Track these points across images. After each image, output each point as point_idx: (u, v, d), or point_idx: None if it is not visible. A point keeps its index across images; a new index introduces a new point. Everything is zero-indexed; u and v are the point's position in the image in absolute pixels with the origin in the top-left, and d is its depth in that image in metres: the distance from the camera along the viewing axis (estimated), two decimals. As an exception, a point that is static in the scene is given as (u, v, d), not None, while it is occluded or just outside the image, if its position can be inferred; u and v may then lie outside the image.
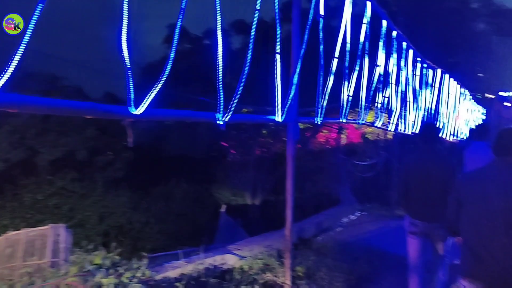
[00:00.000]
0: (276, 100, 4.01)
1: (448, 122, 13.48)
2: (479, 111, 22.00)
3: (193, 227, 9.76)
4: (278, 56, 3.97)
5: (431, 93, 10.99)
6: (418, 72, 9.47)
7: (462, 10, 15.25)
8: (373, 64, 6.92)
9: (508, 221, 2.36)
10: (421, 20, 13.51)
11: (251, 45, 3.55)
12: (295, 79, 4.08)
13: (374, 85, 6.59)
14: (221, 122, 3.17)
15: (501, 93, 24.57)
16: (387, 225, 7.52)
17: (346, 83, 5.78)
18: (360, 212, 8.02)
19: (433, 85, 11.24)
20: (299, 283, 4.35)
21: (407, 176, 3.97)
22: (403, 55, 8.09)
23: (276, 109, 3.99)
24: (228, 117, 3.15)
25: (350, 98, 5.82)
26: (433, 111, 11.21)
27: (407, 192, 3.88)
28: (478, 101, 21.29)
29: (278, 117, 3.98)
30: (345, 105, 5.74)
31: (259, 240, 6.00)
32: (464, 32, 15.30)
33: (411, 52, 8.64)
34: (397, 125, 8.05)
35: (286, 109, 3.95)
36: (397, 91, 7.81)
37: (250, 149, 12.26)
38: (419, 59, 9.40)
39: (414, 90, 9.12)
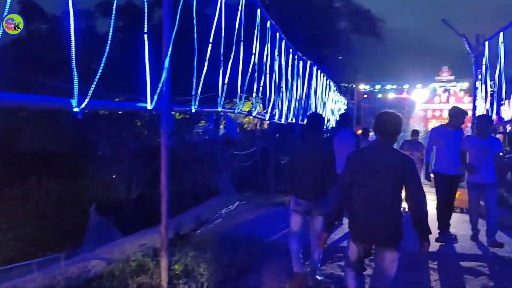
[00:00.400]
0: (147, 86, 3.62)
1: (318, 109, 14.40)
2: (342, 101, 24.18)
3: (58, 231, 8.68)
4: (146, 37, 3.58)
5: (302, 84, 11.51)
6: (290, 63, 9.82)
7: (327, 9, 16.38)
8: (249, 53, 6.89)
9: (388, 180, 3.09)
10: (291, 15, 14.08)
11: (112, 21, 3.10)
12: (166, 62, 3.73)
13: (249, 74, 6.58)
14: (77, 109, 2.68)
15: (361, 86, 27.49)
16: (266, 213, 7.63)
17: (221, 71, 5.64)
18: (239, 201, 8.00)
19: (304, 76, 11.81)
20: (177, 282, 4.06)
21: (293, 161, 4.51)
22: (277, 45, 8.26)
23: (148, 96, 3.61)
24: (85, 103, 2.68)
25: (225, 87, 5.69)
26: (303, 101, 11.79)
27: (293, 175, 4.37)
28: (342, 92, 23.32)
29: (149, 105, 3.60)
30: (220, 94, 5.59)
31: (134, 239, 5.50)
32: (329, 29, 16.50)
33: (283, 43, 8.88)
34: (272, 114, 8.23)
35: (156, 96, 3.59)
36: (271, 81, 7.96)
37: (123, 141, 11.44)
38: (291, 50, 9.74)
39: (287, 81, 9.43)
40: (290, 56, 9.78)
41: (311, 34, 14.14)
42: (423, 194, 3.11)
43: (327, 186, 4.13)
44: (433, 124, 28.31)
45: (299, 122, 11.58)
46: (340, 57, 18.08)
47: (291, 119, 10.25)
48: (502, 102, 13.21)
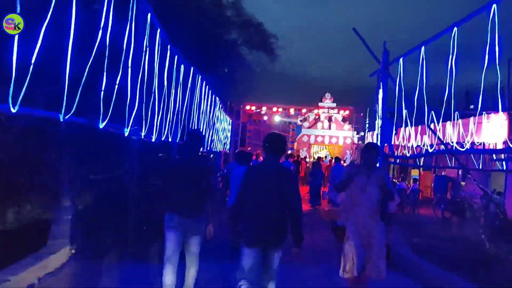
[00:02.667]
0: None
1: (201, 129, 12.21)
2: (227, 121, 22.45)
3: None
4: None
5: (182, 94, 9.22)
6: (167, 64, 7.51)
7: (217, 16, 14.46)
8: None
9: (270, 188, 3.65)
10: (175, 13, 11.75)
11: None
12: None
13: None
14: None
15: (248, 107, 26.18)
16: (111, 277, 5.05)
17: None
18: (74, 254, 5.29)
19: (186, 85, 9.56)
20: None
21: (168, 176, 4.26)
22: (147, 33, 5.91)
23: None
24: None
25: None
26: (183, 116, 9.51)
27: (167, 191, 4.19)
28: (227, 111, 21.58)
29: None
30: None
31: None
32: (218, 38, 14.57)
33: (158, 33, 6.57)
34: (135, 129, 5.79)
35: None
36: (135, 81, 5.56)
37: None
38: (168, 46, 7.46)
39: (160, 85, 7.10)
40: (168, 54, 7.48)
41: (197, 39, 11.97)
42: (299, 203, 3.72)
43: (205, 202, 4.16)
44: (315, 149, 28.55)
45: (178, 141, 9.24)
46: (226, 70, 16.36)
47: (165, 137, 7.88)
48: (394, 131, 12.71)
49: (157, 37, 6.39)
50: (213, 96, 14.14)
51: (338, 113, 27.19)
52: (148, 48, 5.74)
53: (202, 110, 11.99)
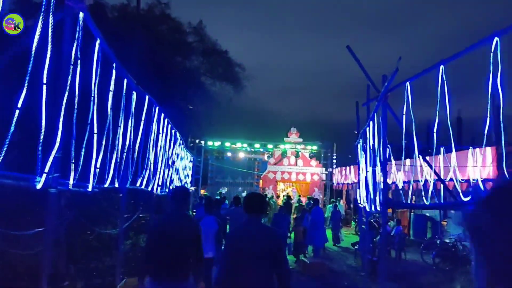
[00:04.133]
0: None
1: (158, 168, 10.33)
2: (188, 158, 20.52)
3: None
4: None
5: (132, 127, 7.44)
6: (112, 87, 5.78)
7: (178, 42, 12.94)
8: None
9: (256, 254, 3.46)
10: (133, 37, 10.09)
11: None
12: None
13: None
14: None
15: (210, 142, 24.41)
16: None
17: None
18: None
19: (139, 116, 7.80)
20: None
21: (153, 238, 4.03)
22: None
23: None
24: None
25: None
26: (135, 154, 7.68)
27: (152, 254, 3.95)
28: (188, 148, 19.73)
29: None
30: None
31: None
32: (179, 67, 12.98)
33: (98, 50, 4.88)
34: (56, 178, 3.95)
35: None
36: (52, 109, 3.77)
37: None
38: (114, 66, 5.75)
39: (101, 118, 5.33)
40: (113, 76, 5.75)
41: (154, 67, 10.30)
42: (288, 268, 3.62)
43: (190, 268, 3.94)
44: (281, 187, 27.04)
45: (128, 186, 7.36)
46: (190, 107, 14.71)
47: (109, 182, 6.00)
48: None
49: (96, 47, 4.68)
50: (173, 130, 12.36)
51: (305, 148, 25.99)
52: (78, 60, 4.00)
53: (160, 146, 10.15)
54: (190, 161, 21.55)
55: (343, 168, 25.39)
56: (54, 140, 3.73)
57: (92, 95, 4.71)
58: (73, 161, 4.25)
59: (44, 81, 3.42)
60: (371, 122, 7.97)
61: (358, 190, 11.93)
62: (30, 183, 3.45)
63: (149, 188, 9.59)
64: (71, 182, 4.28)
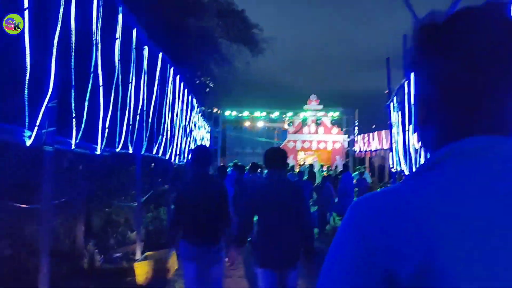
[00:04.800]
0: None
1: (175, 136, 9.63)
2: (205, 128, 19.81)
3: None
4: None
5: (145, 85, 6.69)
6: (118, 40, 4.99)
7: (191, 2, 11.96)
8: None
9: (281, 206, 3.48)
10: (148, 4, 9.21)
11: None
12: None
13: None
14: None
15: (227, 112, 23.57)
16: None
17: None
18: None
19: (152, 74, 7.03)
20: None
21: (181, 201, 3.93)
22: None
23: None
24: None
25: None
26: (150, 117, 6.97)
27: (182, 218, 3.89)
28: (205, 117, 19.00)
29: None
30: None
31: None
32: (194, 28, 12.04)
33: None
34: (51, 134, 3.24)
35: None
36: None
37: None
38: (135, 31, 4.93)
39: (108, 72, 4.56)
40: (120, 22, 4.94)
41: (168, 27, 9.43)
42: (310, 217, 3.68)
43: (221, 228, 3.90)
44: (302, 156, 26.27)
45: (143, 153, 6.67)
46: (210, 84, 13.85)
47: (121, 147, 5.30)
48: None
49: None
50: (190, 96, 11.57)
51: (326, 115, 24.98)
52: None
53: (176, 112, 9.41)
54: (208, 132, 20.89)
55: (366, 134, 24.41)
56: (46, 86, 2.98)
57: (94, 38, 3.92)
58: (74, 115, 3.51)
59: (26, 5, 2.63)
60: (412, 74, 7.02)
61: (390, 154, 11.10)
62: (16, 138, 2.72)
63: (166, 157, 8.91)
64: (73, 141, 3.56)
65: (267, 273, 3.54)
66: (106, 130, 4.48)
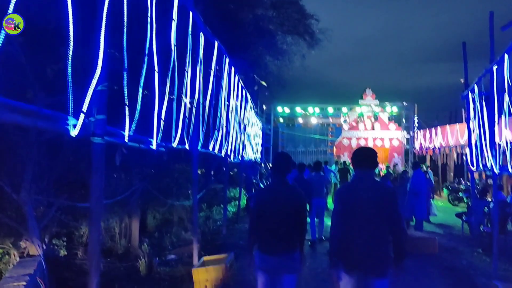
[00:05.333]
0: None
1: (231, 132, 9.14)
2: (258, 125, 19.29)
3: None
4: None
5: (201, 75, 6.20)
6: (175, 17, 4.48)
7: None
8: None
9: (375, 210, 3.33)
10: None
11: None
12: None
13: None
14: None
15: (279, 108, 22.88)
16: None
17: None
18: None
19: (208, 63, 6.55)
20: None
21: (259, 209, 3.81)
22: None
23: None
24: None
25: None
26: (206, 112, 6.49)
27: (258, 226, 3.79)
28: (257, 113, 18.47)
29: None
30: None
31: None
32: (247, 21, 11.48)
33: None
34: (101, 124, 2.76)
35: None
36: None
37: None
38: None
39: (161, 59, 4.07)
40: (176, 5, 4.44)
41: (221, 21, 8.93)
42: (401, 220, 3.44)
43: (297, 239, 3.76)
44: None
45: (200, 148, 6.19)
46: (258, 79, 13.25)
47: (178, 142, 4.82)
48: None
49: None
50: (244, 90, 11.05)
51: (383, 111, 23.63)
52: None
53: (232, 107, 8.90)
54: (260, 129, 20.35)
55: (427, 130, 22.81)
56: (94, 65, 2.47)
57: (149, 14, 3.41)
58: (127, 102, 3.01)
59: None
60: (506, 56, 5.99)
61: (467, 150, 9.93)
62: (59, 126, 2.22)
63: (223, 154, 8.41)
64: (126, 132, 3.06)
65: (350, 279, 3.37)
66: (162, 123, 3.98)
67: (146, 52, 3.35)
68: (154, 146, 3.80)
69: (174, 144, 4.63)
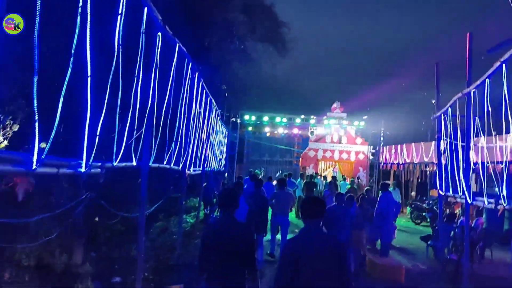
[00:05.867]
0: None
1: (191, 142, 8.43)
2: (222, 132, 18.57)
3: None
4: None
5: (163, 84, 5.49)
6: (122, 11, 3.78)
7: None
8: None
9: (325, 265, 3.28)
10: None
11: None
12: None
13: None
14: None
15: (246, 116, 22.23)
16: None
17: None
18: None
19: (168, 68, 5.84)
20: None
21: (205, 245, 3.87)
22: None
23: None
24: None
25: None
26: (161, 119, 5.77)
27: (204, 261, 3.85)
28: (223, 121, 17.78)
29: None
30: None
31: None
32: (216, 24, 10.81)
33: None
34: None
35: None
36: None
37: None
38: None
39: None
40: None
41: (190, 17, 8.23)
42: (350, 277, 3.49)
43: (245, 276, 3.72)
44: (322, 166, 24.80)
45: (151, 164, 5.47)
46: (224, 87, 12.59)
47: (118, 161, 4.09)
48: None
49: None
50: (208, 97, 10.36)
51: (350, 124, 23.51)
52: None
53: (193, 116, 8.19)
54: (225, 136, 19.65)
55: (393, 146, 22.88)
56: None
57: (80, 4, 2.70)
58: (36, 117, 2.28)
59: None
60: (487, 81, 5.63)
61: (436, 173, 9.68)
62: None
63: (180, 166, 7.69)
64: (35, 157, 2.32)
65: None
66: (97, 138, 3.24)
67: (73, 51, 2.62)
68: (83, 169, 3.05)
69: (115, 163, 3.89)
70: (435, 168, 19.05)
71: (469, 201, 6.44)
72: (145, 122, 4.82)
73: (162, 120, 5.64)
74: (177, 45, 5.91)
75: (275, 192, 9.85)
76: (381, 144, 23.84)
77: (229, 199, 3.89)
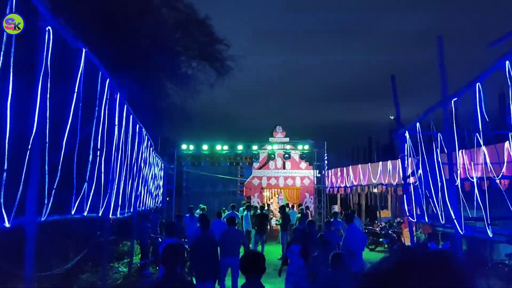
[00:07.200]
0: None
1: (117, 182, 6.66)
2: (158, 165, 16.66)
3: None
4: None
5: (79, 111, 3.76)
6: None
7: (145, 9, 9.24)
8: None
9: None
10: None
11: None
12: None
13: None
14: None
15: (184, 146, 20.40)
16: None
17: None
18: None
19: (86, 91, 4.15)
20: None
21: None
22: None
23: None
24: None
25: None
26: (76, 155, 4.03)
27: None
28: (157, 152, 15.93)
29: None
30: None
31: None
32: (142, 37, 9.25)
33: None
34: None
35: None
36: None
37: None
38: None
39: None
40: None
41: (108, 26, 6.64)
42: None
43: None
44: (266, 194, 23.51)
45: (43, 219, 3.74)
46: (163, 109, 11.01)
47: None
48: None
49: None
50: (137, 125, 8.69)
51: (294, 149, 22.59)
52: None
53: (116, 147, 6.48)
54: (161, 169, 17.76)
55: (338, 169, 22.24)
56: None
57: None
58: None
59: None
60: (478, 85, 4.65)
61: (404, 197, 8.69)
62: None
63: (100, 213, 5.92)
64: None
65: None
66: None
67: None
68: None
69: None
70: (384, 189, 18.67)
71: (461, 232, 5.34)
72: (26, 160, 3.14)
73: (62, 153, 3.95)
74: (84, 50, 4.29)
75: (222, 230, 8.62)
76: (326, 168, 23.14)
77: (172, 256, 3.70)
